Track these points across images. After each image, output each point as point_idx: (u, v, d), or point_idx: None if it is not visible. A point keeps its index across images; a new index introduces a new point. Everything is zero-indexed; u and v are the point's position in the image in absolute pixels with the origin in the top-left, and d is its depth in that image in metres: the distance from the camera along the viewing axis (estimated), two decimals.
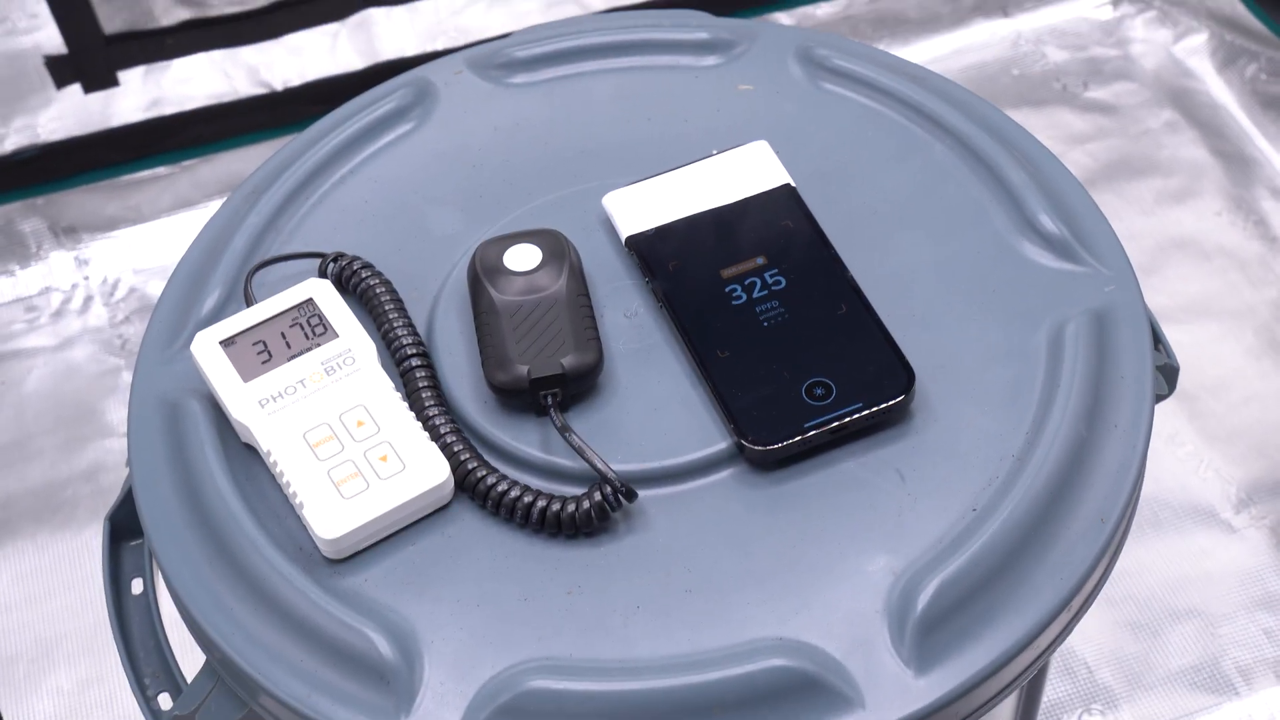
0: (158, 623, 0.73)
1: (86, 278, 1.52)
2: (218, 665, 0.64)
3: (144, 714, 0.69)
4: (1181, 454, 1.27)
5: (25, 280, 1.54)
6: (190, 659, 0.69)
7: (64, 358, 1.48)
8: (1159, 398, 0.73)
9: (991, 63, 1.59)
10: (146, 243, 1.52)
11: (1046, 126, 1.52)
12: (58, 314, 1.51)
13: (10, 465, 1.40)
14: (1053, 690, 1.15)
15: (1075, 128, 1.53)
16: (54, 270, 1.54)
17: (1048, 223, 0.71)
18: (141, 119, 1.57)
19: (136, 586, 0.75)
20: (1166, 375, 0.74)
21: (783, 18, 1.63)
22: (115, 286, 1.51)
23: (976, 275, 0.70)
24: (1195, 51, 1.59)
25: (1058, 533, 0.62)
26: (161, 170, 1.58)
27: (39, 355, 1.48)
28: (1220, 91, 1.55)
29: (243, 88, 1.58)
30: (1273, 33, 1.56)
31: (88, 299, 1.51)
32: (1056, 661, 1.16)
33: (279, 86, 1.58)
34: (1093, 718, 1.14)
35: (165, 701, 0.71)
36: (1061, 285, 0.69)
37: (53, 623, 1.27)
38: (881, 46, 1.59)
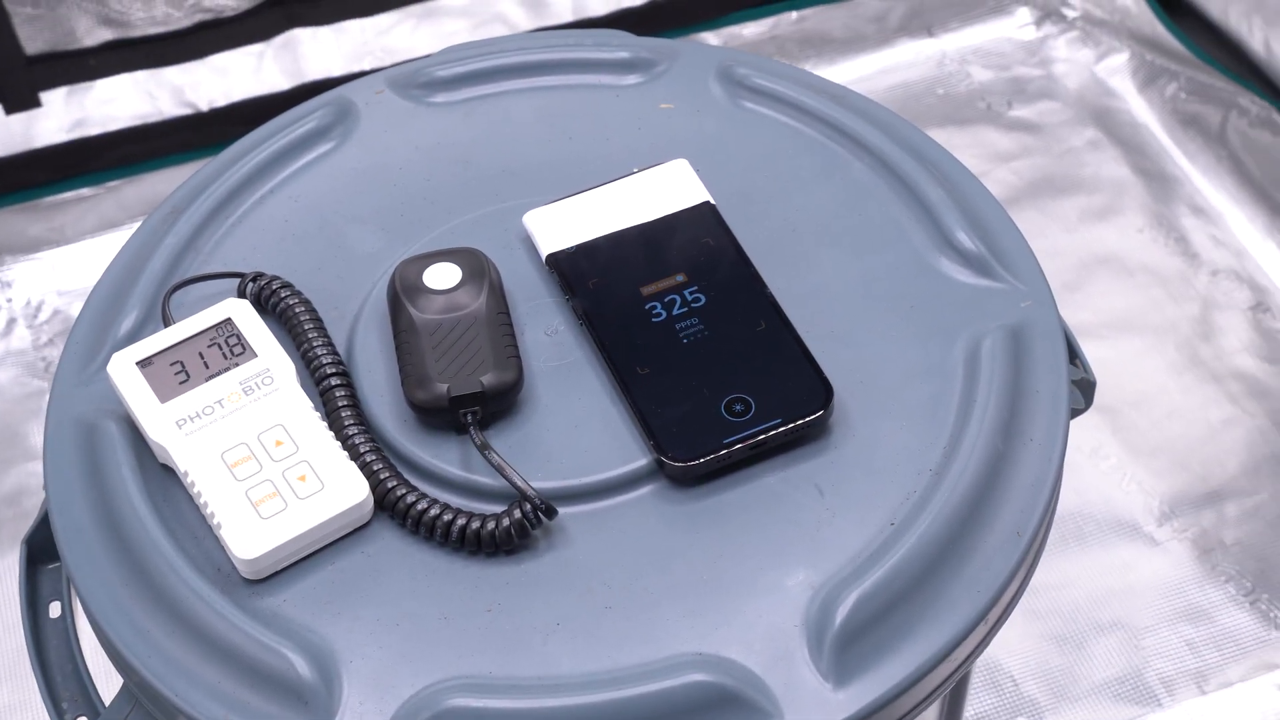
0: (75, 646, 0.72)
1: (9, 300, 1.51)
2: (135, 688, 0.64)
3: None
4: (1105, 468, 1.28)
5: None
6: (109, 683, 0.68)
7: None
8: (1076, 412, 0.74)
9: (917, 82, 1.61)
10: (70, 264, 1.51)
11: (971, 145, 1.54)
12: None
13: None
14: (979, 703, 1.16)
15: (1000, 146, 1.54)
16: None
17: (965, 240, 0.72)
18: (65, 140, 1.56)
19: (55, 610, 0.74)
20: (1083, 390, 0.75)
21: (710, 37, 1.64)
22: (39, 309, 1.50)
23: (895, 292, 0.71)
24: (1117, 71, 1.61)
25: (974, 546, 0.62)
26: (85, 191, 1.57)
27: None
28: (1141, 110, 1.57)
29: (167, 108, 1.57)
30: (1192, 53, 1.59)
31: (11, 321, 1.50)
32: (982, 675, 1.17)
33: (204, 107, 1.57)
34: None
35: None
36: (978, 301, 0.70)
37: None
38: (807, 66, 1.61)
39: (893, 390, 0.67)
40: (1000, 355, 0.67)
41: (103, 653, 0.65)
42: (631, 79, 0.81)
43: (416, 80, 0.81)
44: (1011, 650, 1.17)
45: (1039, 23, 1.66)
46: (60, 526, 0.66)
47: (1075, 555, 1.22)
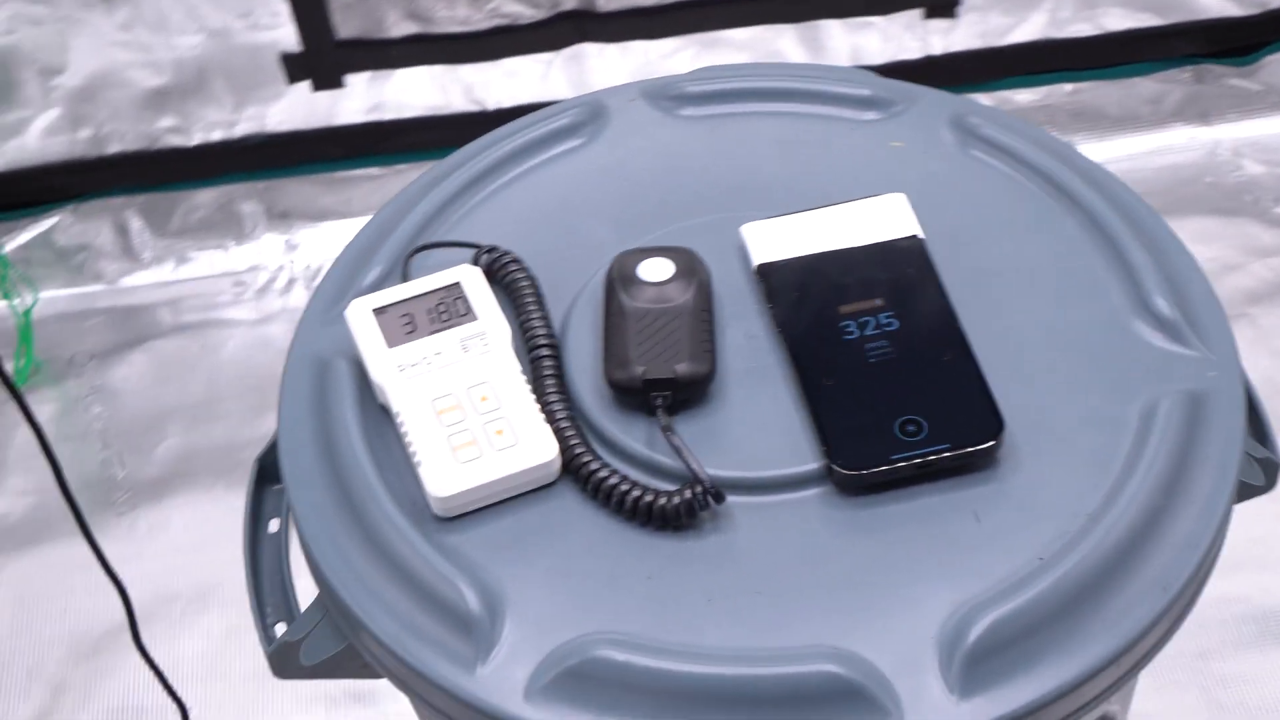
0: (285, 560, 0.79)
1: (293, 261, 1.62)
2: (327, 600, 0.70)
3: (260, 637, 0.75)
4: None
5: (236, 256, 1.65)
6: (308, 595, 0.75)
7: (261, 332, 1.58)
8: (1256, 489, 0.75)
9: (1186, 167, 1.60)
10: (353, 235, 1.61)
11: (1232, 236, 1.53)
12: (262, 291, 1.61)
13: (199, 422, 1.49)
14: None
15: (1260, 240, 1.53)
16: (264, 250, 1.64)
17: (1162, 304, 0.74)
18: (362, 121, 1.67)
19: (274, 525, 0.81)
20: (1266, 469, 0.76)
21: (983, 99, 1.66)
22: (318, 273, 1.61)
23: (1085, 345, 0.73)
24: None
25: (1118, 591, 0.64)
26: (374, 170, 1.68)
27: (239, 326, 1.58)
28: None
29: (457, 103, 1.66)
30: None
31: (291, 280, 1.61)
32: None
33: (490, 106, 1.66)
34: None
35: (282, 630, 0.77)
36: (1165, 365, 0.72)
37: (214, 569, 1.34)
38: (1077, 139, 1.62)
39: (1065, 436, 0.69)
40: (1175, 418, 0.69)
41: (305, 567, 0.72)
42: (869, 115, 0.85)
43: (668, 92, 0.87)
44: None
45: None
46: (285, 450, 0.73)
47: (1273, 653, 1.21)
